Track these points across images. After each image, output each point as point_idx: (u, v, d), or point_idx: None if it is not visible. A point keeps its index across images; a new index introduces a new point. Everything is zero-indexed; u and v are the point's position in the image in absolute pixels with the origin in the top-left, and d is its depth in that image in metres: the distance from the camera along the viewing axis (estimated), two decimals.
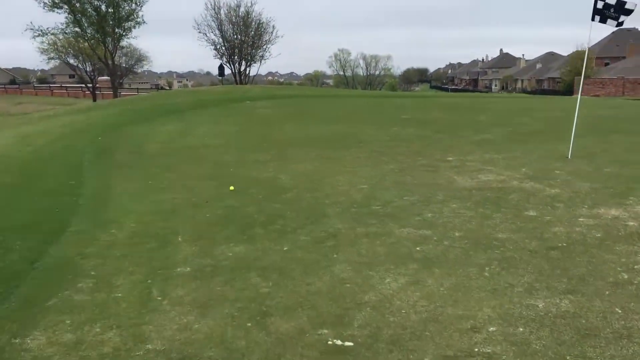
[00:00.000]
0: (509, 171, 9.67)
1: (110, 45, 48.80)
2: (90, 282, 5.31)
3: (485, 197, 7.94)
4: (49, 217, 7.59)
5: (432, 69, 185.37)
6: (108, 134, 16.21)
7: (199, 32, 50.41)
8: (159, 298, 4.92)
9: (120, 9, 46.96)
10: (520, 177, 9.16)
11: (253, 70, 52.98)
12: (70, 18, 45.81)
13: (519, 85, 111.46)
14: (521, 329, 4.16)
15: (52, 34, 48.13)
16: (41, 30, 46.49)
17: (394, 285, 5.02)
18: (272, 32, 50.71)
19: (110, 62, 50.16)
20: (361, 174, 9.86)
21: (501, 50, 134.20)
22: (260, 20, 50.04)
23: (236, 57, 50.51)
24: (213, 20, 49.68)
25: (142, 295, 5.00)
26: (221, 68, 47.49)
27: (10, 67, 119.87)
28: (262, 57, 51.33)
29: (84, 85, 67.29)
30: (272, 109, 22.22)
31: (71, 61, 61.62)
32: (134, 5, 47.04)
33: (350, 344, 4.05)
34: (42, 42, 50.52)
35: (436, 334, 4.15)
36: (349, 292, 4.90)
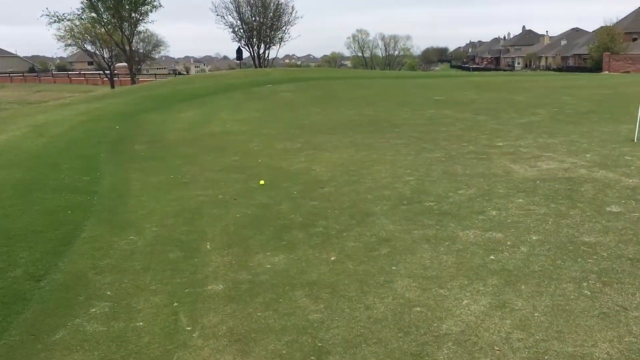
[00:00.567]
0: (572, 158, 8.61)
1: (127, 31, 47.90)
2: (106, 306, 4.43)
3: (554, 190, 6.91)
4: (61, 219, 6.73)
5: (452, 48, 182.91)
6: (126, 122, 15.38)
7: (217, 15, 49.36)
8: (189, 328, 4.03)
9: None
10: (587, 165, 8.10)
11: (272, 53, 51.88)
12: (87, 3, 45.02)
13: (542, 62, 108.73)
14: None
15: (69, 19, 47.50)
16: (57, 16, 45.86)
17: (476, 309, 4.07)
18: (291, 13, 49.50)
19: (127, 48, 49.32)
20: (403, 163, 8.87)
21: (524, 27, 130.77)
22: (279, 1, 48.82)
23: (255, 39, 49.38)
24: (231, 3, 48.61)
25: (168, 324, 4.11)
26: (239, 51, 46.46)
27: (30, 55, 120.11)
28: (281, 39, 50.17)
29: (101, 72, 66.70)
30: (295, 93, 21.21)
31: (88, 48, 61.03)
32: None
33: None
34: (59, 29, 49.95)
35: None
36: (422, 320, 3.96)
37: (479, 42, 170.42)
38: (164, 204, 7.33)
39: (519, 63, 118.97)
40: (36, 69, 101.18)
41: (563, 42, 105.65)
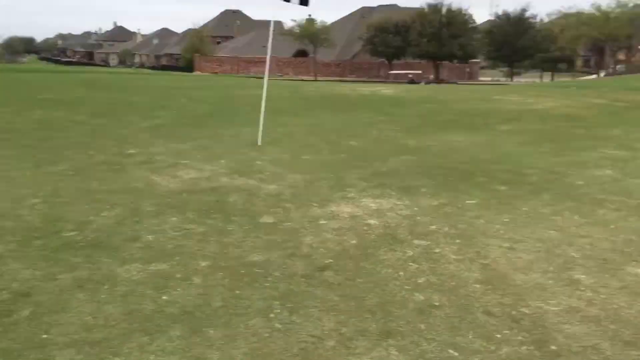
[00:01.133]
0: (209, 165, 8.45)
1: None
2: None
3: (205, 203, 6.54)
4: None
5: (39, 39, 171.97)
6: None
7: None
8: None
9: None
10: (226, 172, 8.04)
11: None
12: None
13: (137, 60, 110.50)
14: None
15: None
16: None
17: None
18: None
19: None
20: (21, 181, 7.24)
21: (115, 23, 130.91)
22: None
23: None
24: None
25: None
26: None
27: None
28: None
29: None
30: None
31: None
32: None
33: None
34: None
35: None
36: None
37: (70, 34, 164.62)
38: None
39: (113, 59, 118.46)
40: None
41: (155, 41, 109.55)
